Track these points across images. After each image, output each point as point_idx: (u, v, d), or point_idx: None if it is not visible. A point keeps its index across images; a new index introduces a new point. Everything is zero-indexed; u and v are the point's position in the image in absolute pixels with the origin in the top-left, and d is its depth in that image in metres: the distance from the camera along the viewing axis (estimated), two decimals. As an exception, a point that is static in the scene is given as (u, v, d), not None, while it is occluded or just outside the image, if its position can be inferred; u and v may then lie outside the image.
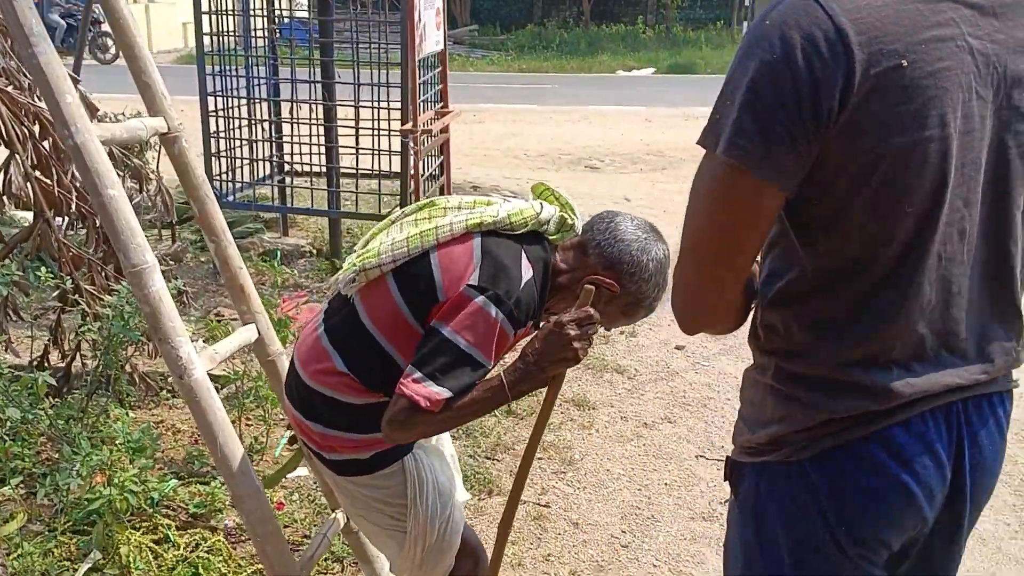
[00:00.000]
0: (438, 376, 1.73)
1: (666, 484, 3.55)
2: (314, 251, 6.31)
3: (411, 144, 4.89)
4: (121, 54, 2.19)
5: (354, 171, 5.95)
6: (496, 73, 19.96)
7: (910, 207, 1.19)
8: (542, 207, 1.94)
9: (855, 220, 1.20)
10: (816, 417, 1.28)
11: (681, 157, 10.43)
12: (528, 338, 1.86)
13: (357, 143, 5.87)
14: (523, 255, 1.84)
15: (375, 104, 5.56)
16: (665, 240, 1.98)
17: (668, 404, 4.22)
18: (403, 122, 5.30)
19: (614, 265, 1.89)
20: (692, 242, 1.26)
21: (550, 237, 1.95)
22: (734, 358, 4.74)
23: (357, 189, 6.01)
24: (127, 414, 3.50)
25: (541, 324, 1.87)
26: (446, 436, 2.30)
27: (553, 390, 1.88)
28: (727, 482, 1.45)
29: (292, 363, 2.05)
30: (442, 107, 5.90)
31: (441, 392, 1.73)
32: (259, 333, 2.35)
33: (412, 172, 5.31)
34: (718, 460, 3.73)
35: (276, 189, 6.37)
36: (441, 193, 6.52)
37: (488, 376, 1.79)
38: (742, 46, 1.18)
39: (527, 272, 1.82)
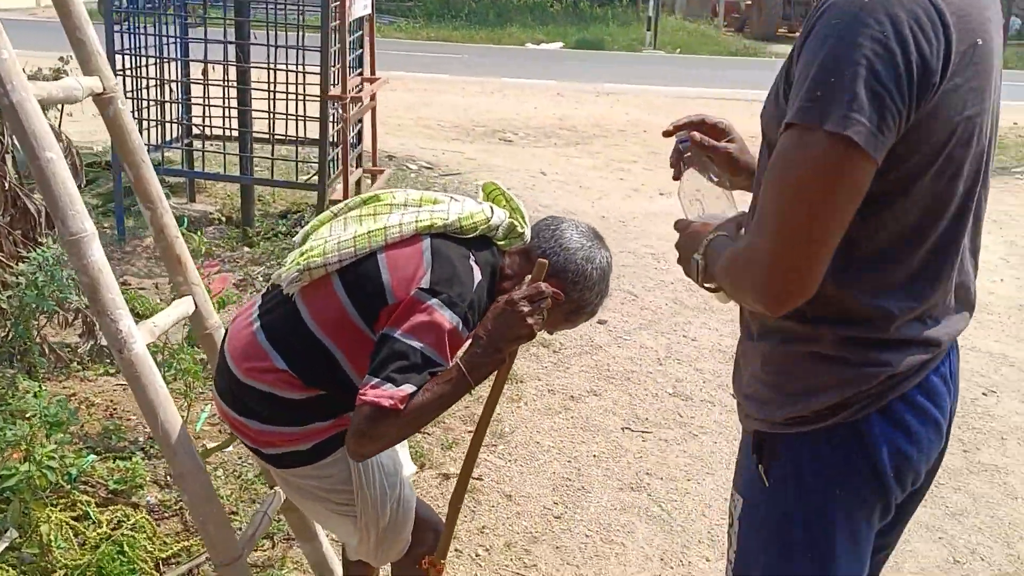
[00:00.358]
0: (396, 377, 1.70)
1: (594, 456, 3.60)
2: (223, 218, 6.11)
3: (340, 111, 4.77)
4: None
5: (268, 137, 5.78)
6: (404, 40, 19.67)
7: (963, 176, 1.30)
8: (493, 212, 1.93)
9: (923, 189, 1.28)
10: (879, 376, 1.34)
11: (594, 133, 10.50)
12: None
13: (272, 107, 5.69)
14: (472, 259, 1.83)
15: (293, 68, 5.39)
16: (608, 247, 2.01)
17: (593, 377, 4.27)
18: (323, 87, 5.17)
19: (559, 273, 1.90)
20: (790, 220, 1.22)
21: (498, 243, 1.94)
22: (654, 332, 4.83)
23: (273, 155, 5.84)
24: (39, 387, 3.34)
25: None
26: None
27: (505, 368, 1.86)
28: (755, 456, 1.45)
29: (223, 359, 1.98)
30: (369, 74, 5.77)
31: (403, 388, 1.69)
32: (196, 305, 2.26)
33: (339, 140, 5.18)
34: (643, 432, 3.81)
35: (184, 153, 6.13)
36: (359, 164, 6.40)
37: (449, 375, 1.76)
38: (835, 24, 1.19)
39: (477, 275, 1.82)
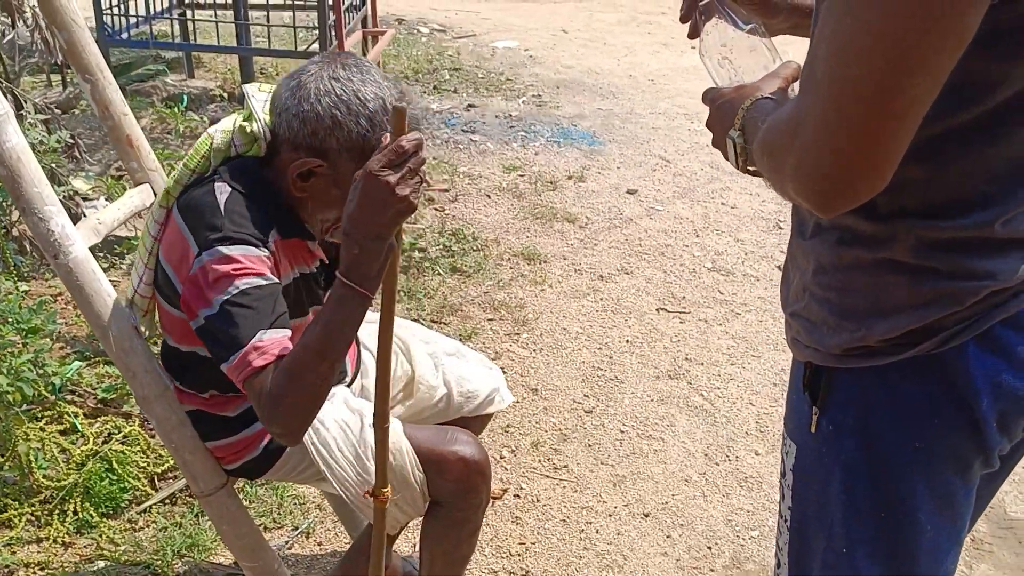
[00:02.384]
0: (239, 337, 1.41)
1: (627, 341, 3.29)
2: (224, 94, 5.70)
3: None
4: None
5: (264, 2, 5.31)
6: None
7: None
8: (216, 131, 1.58)
9: None
10: (979, 292, 0.97)
11: (618, -15, 9.79)
12: None
13: (266, -31, 5.20)
14: (218, 181, 1.52)
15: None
16: (353, 64, 1.50)
17: (624, 254, 3.92)
18: (317, -58, 4.66)
19: (308, 142, 1.48)
20: (856, 78, 0.81)
21: (249, 155, 1.59)
22: (689, 201, 4.44)
23: (269, 22, 5.38)
24: (17, 287, 3.06)
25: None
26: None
27: (395, 257, 1.39)
28: (806, 394, 1.13)
29: None
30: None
31: (256, 340, 1.41)
32: (155, 194, 1.92)
33: (332, 1, 4.71)
34: (680, 312, 3.48)
35: (176, 24, 5.67)
36: (364, 25, 5.92)
37: (339, 303, 1.39)
38: None
39: (223, 193, 1.49)
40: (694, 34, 1.28)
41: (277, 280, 1.49)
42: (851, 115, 0.81)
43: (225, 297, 1.43)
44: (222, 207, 1.47)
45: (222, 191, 1.50)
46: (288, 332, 1.47)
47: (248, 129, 1.56)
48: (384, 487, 1.51)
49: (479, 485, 1.73)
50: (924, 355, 1.01)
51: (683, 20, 1.30)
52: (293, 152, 1.49)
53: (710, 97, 1.14)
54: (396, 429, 1.71)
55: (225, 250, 1.44)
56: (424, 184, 1.34)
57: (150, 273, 1.62)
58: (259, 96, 1.60)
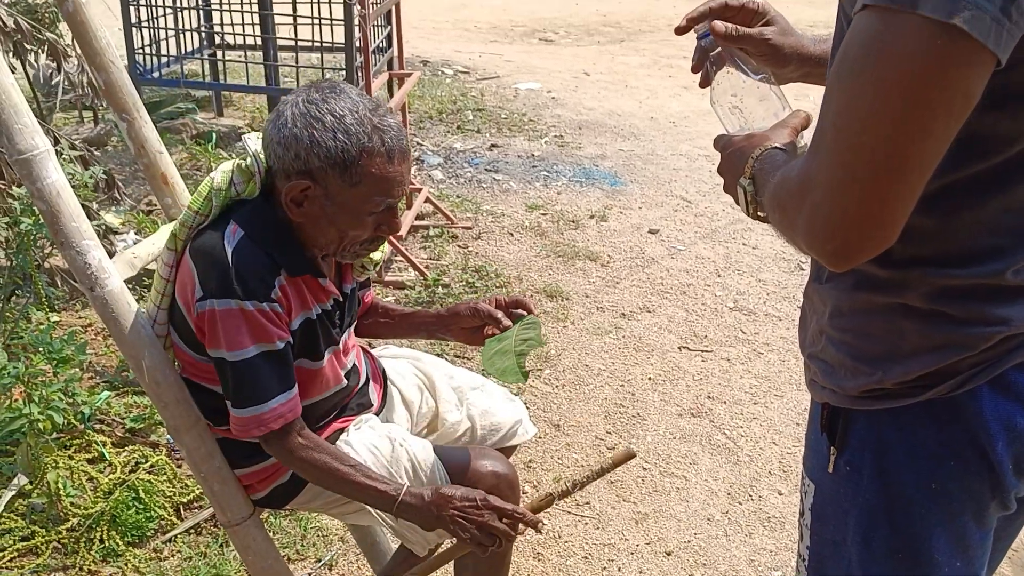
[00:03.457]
0: (252, 397, 1.57)
1: (650, 379, 3.30)
2: (253, 132, 5.81)
3: (357, 8, 4.38)
4: None
5: (293, 43, 5.41)
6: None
7: None
8: (216, 173, 1.61)
9: None
10: (992, 337, 0.99)
11: (640, 28, 9.92)
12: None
13: (295, 11, 5.31)
14: (228, 225, 1.56)
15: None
16: (327, 88, 1.55)
17: (646, 292, 3.94)
18: (345, -17, 4.75)
19: (295, 166, 1.52)
20: (861, 143, 0.85)
21: (248, 196, 1.61)
22: (711, 242, 4.46)
23: (297, 63, 5.48)
24: (48, 318, 3.12)
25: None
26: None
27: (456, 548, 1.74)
28: (824, 435, 1.14)
29: None
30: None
31: (269, 406, 1.57)
32: (190, 230, 1.96)
33: (359, 43, 4.81)
34: (702, 351, 3.49)
35: (207, 64, 5.80)
36: (390, 67, 6.01)
37: (387, 483, 1.62)
38: None
39: (231, 240, 1.54)
40: (705, 83, 1.30)
41: (288, 337, 1.58)
42: (859, 177, 0.85)
43: (240, 358, 1.54)
44: (230, 256, 1.52)
45: (231, 238, 1.54)
46: (295, 391, 1.60)
47: (244, 166, 1.60)
48: None
49: (508, 499, 1.74)
50: (939, 398, 1.02)
51: (694, 70, 1.32)
52: (285, 180, 1.54)
53: (721, 144, 1.17)
54: (426, 447, 1.75)
55: (235, 304, 1.52)
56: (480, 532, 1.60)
57: (164, 313, 1.66)
58: (252, 136, 1.66)
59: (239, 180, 1.59)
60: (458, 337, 1.82)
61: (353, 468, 1.61)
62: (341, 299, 1.72)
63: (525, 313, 1.75)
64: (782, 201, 0.97)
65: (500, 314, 1.74)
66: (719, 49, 1.28)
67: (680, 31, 1.32)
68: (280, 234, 1.59)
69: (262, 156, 1.59)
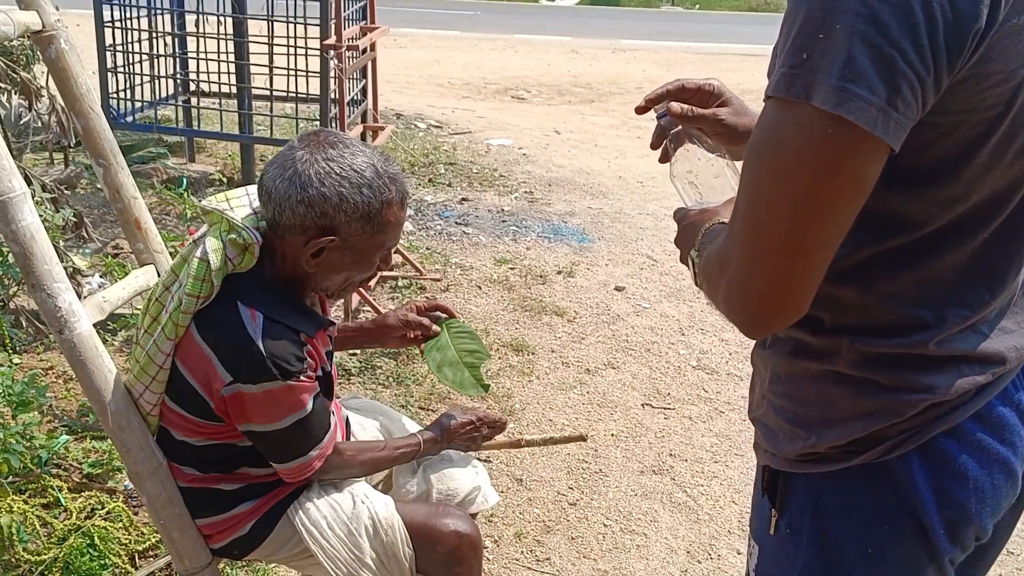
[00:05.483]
0: (303, 448, 1.66)
1: (612, 435, 3.32)
2: (224, 179, 5.83)
3: (334, 62, 4.45)
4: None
5: (268, 92, 5.47)
6: (416, -4, 19.20)
7: None
8: (207, 253, 1.57)
9: (979, 167, 0.95)
10: (918, 404, 1.03)
11: (610, 90, 10.13)
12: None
13: (271, 61, 5.37)
14: (239, 308, 1.55)
15: (291, 19, 5.07)
16: (315, 144, 1.57)
17: (611, 349, 3.98)
18: (323, 38, 4.84)
19: (318, 222, 1.54)
20: (764, 226, 0.91)
21: (246, 267, 1.60)
22: (676, 301, 4.53)
23: (272, 112, 5.53)
24: (11, 360, 3.09)
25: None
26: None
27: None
28: (766, 497, 1.17)
29: None
30: (368, 23, 5.43)
31: (317, 449, 1.67)
32: (158, 275, 1.98)
33: (335, 95, 4.87)
34: (665, 408, 3.53)
35: (180, 110, 5.83)
36: (364, 120, 6.09)
37: (409, 443, 1.86)
38: None
39: (254, 328, 1.54)
40: (665, 159, 1.36)
41: (316, 388, 1.62)
42: (764, 257, 0.91)
43: (275, 428, 1.59)
44: (263, 347, 1.53)
45: (253, 325, 1.53)
46: (330, 432, 1.68)
47: (238, 240, 1.58)
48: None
49: (470, 559, 1.75)
50: (872, 463, 1.06)
51: (653, 147, 1.38)
52: (301, 235, 1.55)
53: (678, 217, 1.24)
54: (388, 504, 1.75)
55: (272, 386, 1.55)
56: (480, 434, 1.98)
57: (155, 396, 1.66)
58: (235, 203, 1.63)
59: (233, 254, 1.58)
60: (391, 345, 2.04)
61: (384, 450, 1.81)
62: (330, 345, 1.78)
63: (445, 316, 2.03)
64: (708, 273, 1.05)
65: (427, 320, 1.99)
66: (678, 128, 1.35)
67: (640, 111, 1.39)
68: (288, 300, 1.61)
69: (253, 221, 1.60)
